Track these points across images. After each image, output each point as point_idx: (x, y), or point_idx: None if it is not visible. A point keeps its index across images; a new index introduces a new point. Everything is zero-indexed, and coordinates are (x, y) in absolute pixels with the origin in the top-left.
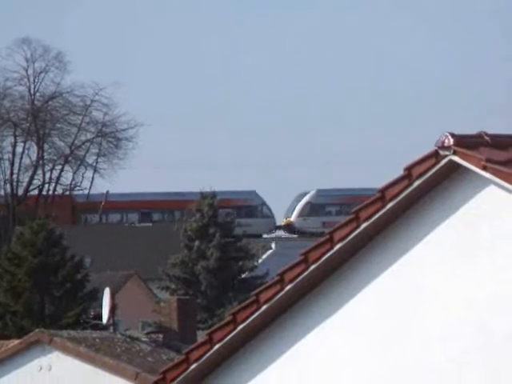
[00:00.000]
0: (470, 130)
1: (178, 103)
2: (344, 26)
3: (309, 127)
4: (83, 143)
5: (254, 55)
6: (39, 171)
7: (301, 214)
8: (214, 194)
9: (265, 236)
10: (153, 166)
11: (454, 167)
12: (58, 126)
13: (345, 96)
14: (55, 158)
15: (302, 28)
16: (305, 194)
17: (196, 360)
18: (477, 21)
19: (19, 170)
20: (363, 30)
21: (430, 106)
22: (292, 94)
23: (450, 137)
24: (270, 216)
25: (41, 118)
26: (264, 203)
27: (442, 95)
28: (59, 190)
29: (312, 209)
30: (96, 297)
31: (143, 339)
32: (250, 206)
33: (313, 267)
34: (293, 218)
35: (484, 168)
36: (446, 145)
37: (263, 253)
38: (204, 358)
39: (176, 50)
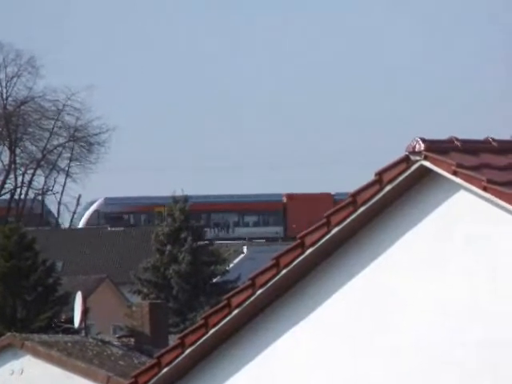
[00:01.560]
0: (442, 133)
1: (149, 106)
2: (343, 26)
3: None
4: (55, 148)
5: (228, 56)
6: (11, 175)
7: (88, 223)
8: (185, 199)
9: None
10: (124, 169)
11: (424, 172)
12: (30, 130)
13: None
14: (27, 162)
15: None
16: (93, 203)
17: (167, 364)
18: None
19: None
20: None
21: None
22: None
23: (420, 142)
24: None
25: (13, 123)
26: None
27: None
28: (31, 195)
29: (100, 217)
30: (68, 301)
31: (115, 343)
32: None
33: (284, 271)
34: (80, 226)
35: (454, 173)
36: (416, 150)
37: (235, 257)
38: (175, 361)
39: (148, 52)
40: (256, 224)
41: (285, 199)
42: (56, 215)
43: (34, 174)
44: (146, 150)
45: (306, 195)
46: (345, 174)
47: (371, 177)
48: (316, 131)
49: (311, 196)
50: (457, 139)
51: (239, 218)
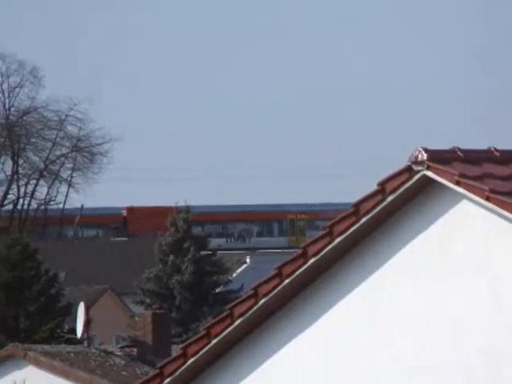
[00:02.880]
0: (445, 143)
1: (151, 117)
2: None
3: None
4: (58, 158)
5: (228, 63)
6: (14, 186)
7: None
8: (188, 209)
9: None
10: (128, 179)
11: (427, 182)
12: (33, 140)
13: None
14: (30, 172)
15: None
16: None
17: (170, 374)
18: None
19: None
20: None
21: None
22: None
23: (423, 152)
24: None
25: (15, 133)
26: None
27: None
28: (34, 205)
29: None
30: (70, 311)
31: (117, 353)
32: None
33: (287, 282)
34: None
35: (457, 183)
36: (419, 160)
37: (238, 267)
38: (178, 372)
39: (150, 62)
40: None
41: (125, 212)
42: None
43: (36, 185)
44: (147, 160)
45: (146, 208)
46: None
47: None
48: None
49: (151, 209)
50: (459, 149)
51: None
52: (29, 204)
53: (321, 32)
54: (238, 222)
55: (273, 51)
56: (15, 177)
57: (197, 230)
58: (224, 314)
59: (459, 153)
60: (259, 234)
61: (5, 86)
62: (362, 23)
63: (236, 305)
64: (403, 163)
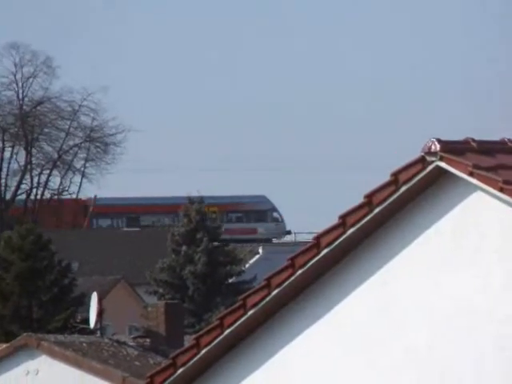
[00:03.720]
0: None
1: (167, 107)
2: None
3: (315, 130)
4: (71, 148)
5: (246, 58)
6: (27, 176)
7: None
8: (201, 199)
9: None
10: (141, 170)
11: (440, 173)
12: (46, 130)
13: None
14: (43, 162)
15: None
16: None
17: (183, 364)
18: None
19: (7, 174)
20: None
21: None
22: (288, 95)
23: (436, 142)
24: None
25: (29, 123)
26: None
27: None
28: (47, 195)
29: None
30: (83, 301)
31: (130, 344)
32: (260, 211)
33: (299, 272)
34: None
35: (471, 174)
36: (432, 150)
37: (250, 258)
38: (191, 362)
39: (164, 53)
40: None
41: None
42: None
43: (49, 175)
44: (161, 151)
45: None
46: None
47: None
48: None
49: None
50: (473, 140)
51: None
52: (42, 194)
53: (321, 32)
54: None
55: (274, 51)
56: (29, 167)
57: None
58: (237, 304)
59: (473, 143)
60: None
61: (18, 76)
62: (362, 23)
63: (249, 295)
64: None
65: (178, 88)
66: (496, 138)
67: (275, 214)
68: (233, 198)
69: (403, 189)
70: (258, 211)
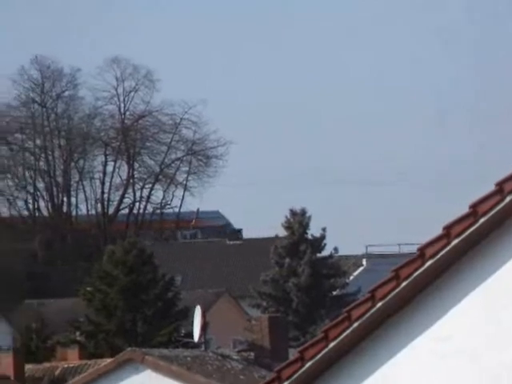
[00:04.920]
0: None
1: (266, 120)
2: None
3: None
4: (173, 161)
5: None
6: (130, 190)
7: None
8: (304, 211)
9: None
10: (242, 183)
11: None
12: (148, 144)
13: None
14: (145, 176)
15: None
16: None
17: (287, 378)
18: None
19: (110, 189)
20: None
21: None
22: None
23: None
24: None
25: (131, 137)
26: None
27: None
28: (149, 209)
29: None
30: (187, 315)
31: (235, 357)
32: None
33: (404, 284)
34: None
35: None
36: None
37: (354, 270)
38: (295, 375)
39: (261, 66)
40: None
41: None
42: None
43: (152, 188)
44: (263, 164)
45: None
46: None
47: None
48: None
49: None
50: None
51: None
52: (145, 208)
53: (323, 32)
54: None
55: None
56: (131, 181)
57: None
58: (341, 317)
59: None
60: None
61: (120, 91)
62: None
63: (353, 308)
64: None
65: (280, 100)
66: None
67: None
68: None
69: (509, 198)
70: None
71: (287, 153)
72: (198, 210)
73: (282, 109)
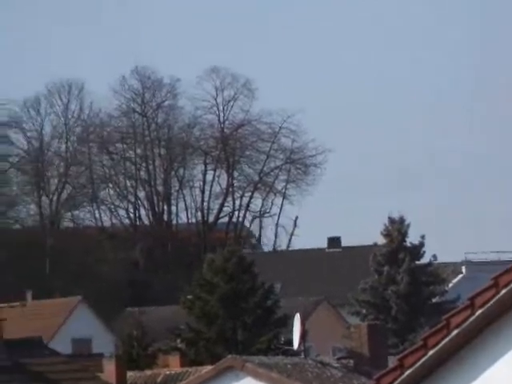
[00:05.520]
0: None
1: (362, 128)
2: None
3: None
4: (272, 170)
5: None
6: (229, 198)
7: None
8: (402, 219)
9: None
10: (340, 190)
11: None
12: (247, 153)
13: None
14: (245, 185)
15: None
16: None
17: None
18: None
19: (209, 197)
20: None
21: None
22: None
23: None
24: None
25: (230, 146)
26: None
27: None
28: (249, 217)
29: None
30: (287, 323)
31: (334, 365)
32: None
33: (504, 291)
34: None
35: None
36: None
37: (453, 277)
38: (395, 383)
39: (362, 74)
40: None
41: None
42: (274, 237)
43: (251, 197)
44: (360, 170)
45: None
46: None
47: None
48: None
49: None
50: None
51: None
52: (244, 216)
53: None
54: None
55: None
56: (230, 189)
57: None
58: (440, 324)
59: None
60: None
61: (219, 100)
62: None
63: (452, 315)
64: None
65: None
66: None
67: None
68: None
69: None
70: None
71: (384, 158)
72: (296, 217)
73: (376, 111)
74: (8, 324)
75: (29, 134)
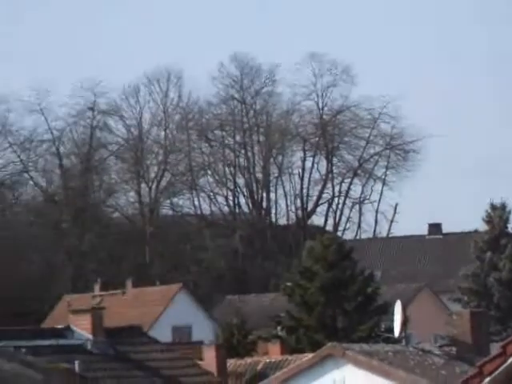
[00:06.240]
0: None
1: (460, 111)
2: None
3: None
4: (371, 156)
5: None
6: (328, 185)
7: None
8: (504, 206)
9: None
10: (441, 176)
11: None
12: (346, 139)
13: None
14: (344, 171)
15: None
16: None
17: (490, 373)
18: None
19: (309, 184)
20: None
21: None
22: None
23: None
24: None
25: (329, 132)
26: None
27: None
28: (348, 204)
29: None
30: (387, 310)
31: (436, 352)
32: None
33: None
34: None
35: None
36: None
37: None
38: (498, 371)
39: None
40: None
41: None
42: (374, 224)
43: (350, 183)
44: (463, 157)
45: None
46: None
47: None
48: None
49: None
50: None
51: None
52: (343, 203)
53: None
54: None
55: None
56: (330, 176)
57: None
58: None
59: None
60: None
61: (318, 86)
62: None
63: None
64: None
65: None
66: None
67: None
68: None
69: None
70: None
71: (484, 144)
72: (396, 204)
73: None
74: (108, 312)
75: (128, 122)
